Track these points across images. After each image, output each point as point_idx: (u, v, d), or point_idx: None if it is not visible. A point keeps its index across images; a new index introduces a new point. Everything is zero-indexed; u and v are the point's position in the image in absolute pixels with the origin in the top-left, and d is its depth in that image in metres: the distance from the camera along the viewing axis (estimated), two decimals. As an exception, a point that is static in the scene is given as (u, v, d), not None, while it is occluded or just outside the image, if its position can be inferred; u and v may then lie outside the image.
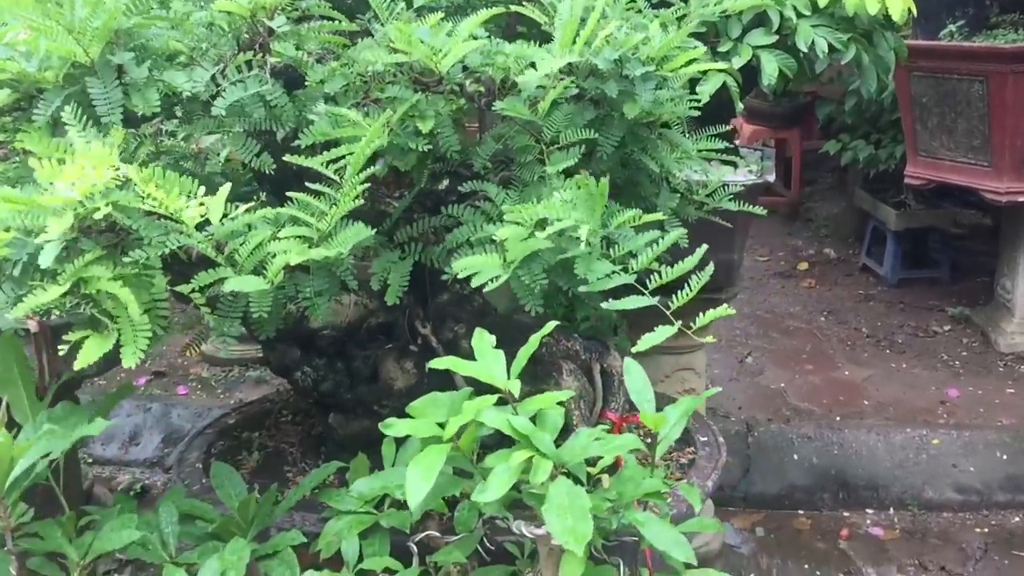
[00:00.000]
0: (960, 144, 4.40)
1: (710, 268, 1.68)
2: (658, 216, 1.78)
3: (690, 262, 1.65)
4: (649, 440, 1.74)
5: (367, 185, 1.58)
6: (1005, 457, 3.87)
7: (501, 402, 1.57)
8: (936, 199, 5.50)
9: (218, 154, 1.98)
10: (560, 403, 1.60)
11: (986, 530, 3.65)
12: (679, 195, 2.11)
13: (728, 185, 2.23)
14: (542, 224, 1.60)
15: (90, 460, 3.98)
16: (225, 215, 1.47)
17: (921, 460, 3.90)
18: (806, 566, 3.49)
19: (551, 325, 1.63)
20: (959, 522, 3.72)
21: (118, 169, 1.41)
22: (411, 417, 1.56)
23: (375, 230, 1.62)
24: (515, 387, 1.55)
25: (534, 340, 1.59)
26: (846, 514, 3.81)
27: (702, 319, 1.62)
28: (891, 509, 3.81)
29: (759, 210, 2.26)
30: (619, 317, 2.43)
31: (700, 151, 2.12)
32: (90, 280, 1.41)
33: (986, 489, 3.79)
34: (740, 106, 2.22)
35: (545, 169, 1.77)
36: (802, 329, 5.13)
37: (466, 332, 2.09)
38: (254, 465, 2.25)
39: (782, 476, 3.90)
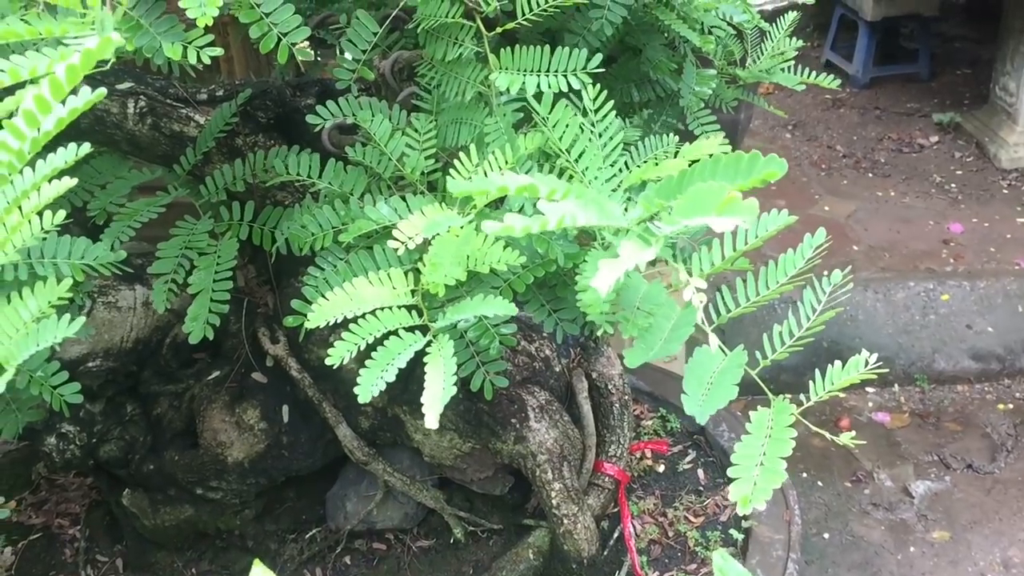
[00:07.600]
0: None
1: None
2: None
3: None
4: None
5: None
6: (1028, 311, 3.20)
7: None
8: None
9: None
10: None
11: (1011, 406, 3.03)
12: (714, 71, 1.17)
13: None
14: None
15: None
16: None
17: (929, 322, 3.21)
18: (803, 474, 2.83)
19: None
20: (978, 398, 3.08)
21: None
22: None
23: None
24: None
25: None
26: (842, 396, 3.14)
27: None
28: (896, 386, 3.15)
29: (830, 80, 1.35)
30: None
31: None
32: None
33: (1008, 353, 3.14)
34: None
35: (487, 76, 0.82)
36: (765, 150, 4.28)
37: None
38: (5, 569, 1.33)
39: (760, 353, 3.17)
